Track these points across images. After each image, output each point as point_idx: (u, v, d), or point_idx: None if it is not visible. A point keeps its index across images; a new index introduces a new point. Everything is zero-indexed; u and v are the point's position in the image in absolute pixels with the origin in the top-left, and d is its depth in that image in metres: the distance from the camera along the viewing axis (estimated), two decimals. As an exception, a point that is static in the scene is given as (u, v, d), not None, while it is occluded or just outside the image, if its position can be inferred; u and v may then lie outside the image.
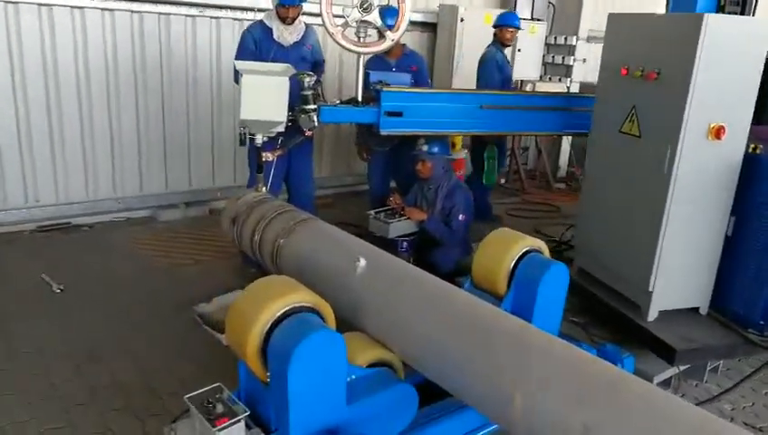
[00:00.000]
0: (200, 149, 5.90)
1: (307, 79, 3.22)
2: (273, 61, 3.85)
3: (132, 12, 5.24)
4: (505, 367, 2.03)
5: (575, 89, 7.92)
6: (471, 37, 6.81)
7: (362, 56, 3.49)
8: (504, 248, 2.85)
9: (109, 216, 5.51)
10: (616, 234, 3.46)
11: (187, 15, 5.53)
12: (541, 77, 8.27)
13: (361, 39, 3.40)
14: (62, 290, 4.06)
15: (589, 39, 8.18)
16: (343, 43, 3.35)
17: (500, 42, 5.55)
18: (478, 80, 5.51)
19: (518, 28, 5.56)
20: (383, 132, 3.56)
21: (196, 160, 5.91)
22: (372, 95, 3.58)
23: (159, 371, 3.29)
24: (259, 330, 2.05)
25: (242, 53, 4.14)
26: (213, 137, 5.96)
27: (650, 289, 3.19)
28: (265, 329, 2.05)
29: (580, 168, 8.17)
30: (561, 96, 4.66)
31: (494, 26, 5.60)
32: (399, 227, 4.19)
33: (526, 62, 8.16)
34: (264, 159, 3.46)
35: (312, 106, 3.26)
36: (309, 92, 3.21)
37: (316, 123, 3.31)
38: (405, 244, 4.21)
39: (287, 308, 2.09)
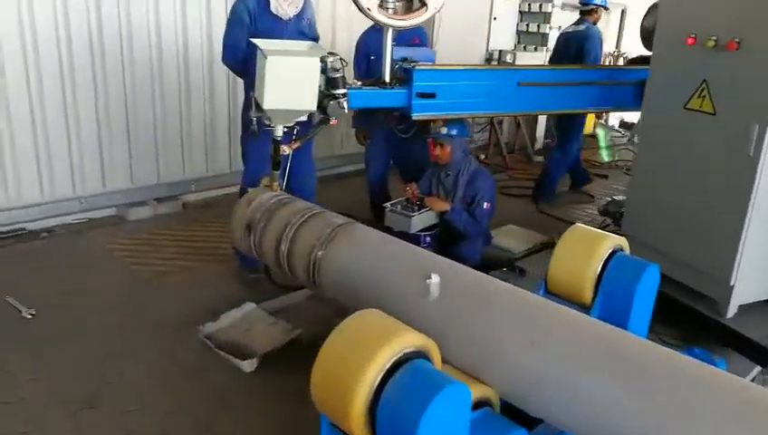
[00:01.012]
0: (168, 138, 5.23)
1: (331, 59, 2.72)
2: (271, 37, 3.30)
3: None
4: (663, 403, 1.68)
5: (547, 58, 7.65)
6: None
7: (391, 30, 3.01)
8: (588, 250, 2.49)
9: (69, 218, 4.80)
10: (684, 222, 3.16)
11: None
12: (515, 46, 7.97)
13: (389, 11, 2.91)
14: (33, 315, 3.42)
15: (563, 6, 7.89)
16: (380, 17, 2.85)
17: (591, 20, 5.65)
18: (581, 57, 5.33)
19: (606, 8, 5.86)
20: (415, 117, 3.11)
21: (165, 151, 5.24)
22: (397, 75, 3.10)
23: (174, 413, 2.76)
24: (366, 388, 1.60)
25: (234, 28, 3.56)
26: (181, 124, 5.30)
27: (732, 283, 2.93)
28: (374, 386, 1.61)
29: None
30: (605, 69, 4.24)
31: (583, 4, 5.71)
32: (421, 221, 3.78)
33: (502, 31, 7.82)
34: (281, 153, 2.94)
35: (342, 90, 2.77)
36: (337, 75, 2.72)
37: (346, 110, 2.82)
38: (428, 238, 3.80)
39: (397, 357, 1.65)
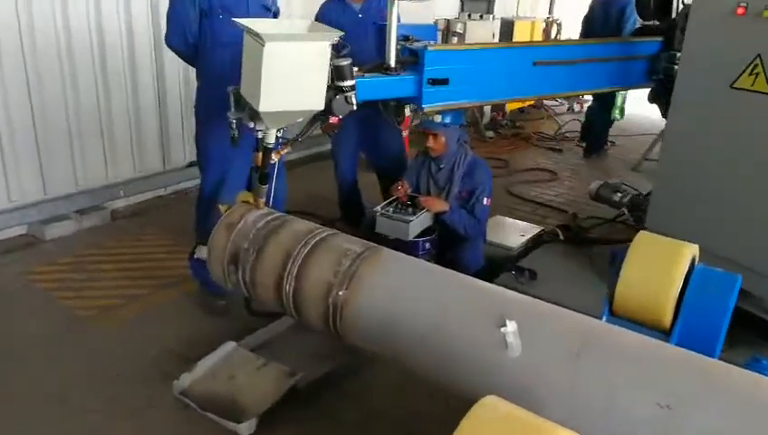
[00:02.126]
0: (85, 134, 4.36)
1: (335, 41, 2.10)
2: (231, 14, 2.64)
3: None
4: None
5: (498, 27, 7.29)
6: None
7: (396, 3, 2.43)
8: (665, 263, 2.10)
9: (-34, 242, 3.90)
10: (726, 214, 2.87)
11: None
12: (459, 15, 7.52)
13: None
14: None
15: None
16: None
17: None
18: (620, 25, 4.98)
19: None
20: (426, 108, 2.58)
21: (81, 152, 4.37)
22: (400, 58, 2.51)
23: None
24: None
25: (180, 4, 2.84)
26: (100, 118, 4.43)
27: (783, 279, 2.68)
28: None
29: (500, 112, 7.70)
30: (621, 43, 3.78)
31: None
32: (418, 225, 3.29)
33: (445, -2, 7.34)
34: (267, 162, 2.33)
35: (351, 82, 2.18)
36: (345, 62, 2.11)
37: (354, 105, 2.25)
38: (427, 245, 3.31)
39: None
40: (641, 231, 2.25)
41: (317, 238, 2.26)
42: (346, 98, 2.20)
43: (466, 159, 3.44)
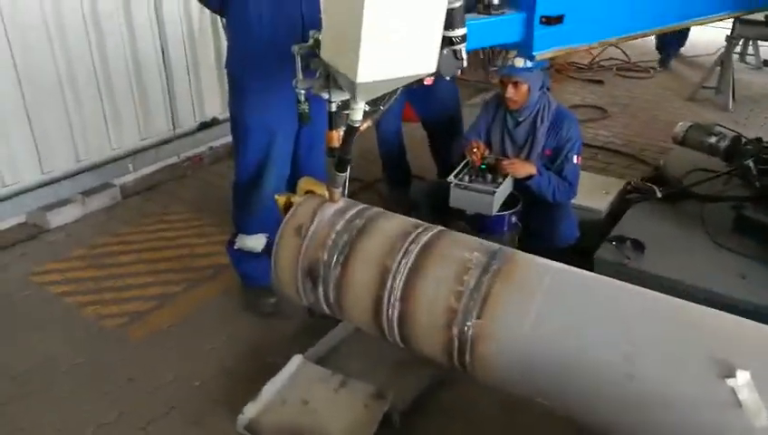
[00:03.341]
0: (80, 99, 3.71)
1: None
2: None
3: None
4: None
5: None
6: None
7: None
8: None
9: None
10: None
11: None
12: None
13: None
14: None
15: None
16: None
17: None
18: None
19: None
20: (537, 56, 1.98)
21: (80, 120, 3.73)
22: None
23: None
24: None
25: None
26: (96, 76, 3.76)
27: None
28: None
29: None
30: None
31: None
32: (501, 195, 2.73)
33: None
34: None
35: (462, 31, 1.58)
36: (458, 3, 1.51)
37: (465, 62, 1.65)
38: (513, 219, 2.77)
39: None
40: None
41: (420, 244, 1.71)
42: (455, 52, 1.61)
43: (551, 109, 2.86)
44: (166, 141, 4.18)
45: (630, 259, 2.70)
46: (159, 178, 4.10)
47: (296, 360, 2.36)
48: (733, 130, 3.47)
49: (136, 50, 3.91)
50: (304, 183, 2.01)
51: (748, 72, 6.41)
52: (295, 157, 2.66)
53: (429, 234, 1.76)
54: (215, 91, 4.43)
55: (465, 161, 2.85)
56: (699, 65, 6.46)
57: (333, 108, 1.73)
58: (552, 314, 1.49)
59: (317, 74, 1.68)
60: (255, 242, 2.73)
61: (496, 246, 1.70)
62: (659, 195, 3.09)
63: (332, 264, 1.77)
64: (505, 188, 2.74)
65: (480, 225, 2.72)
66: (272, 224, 2.66)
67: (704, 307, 1.45)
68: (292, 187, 2.71)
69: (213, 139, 4.44)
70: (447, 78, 1.72)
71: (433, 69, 1.46)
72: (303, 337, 2.55)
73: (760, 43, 6.38)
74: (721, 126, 3.51)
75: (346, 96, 1.66)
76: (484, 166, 2.82)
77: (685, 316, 1.43)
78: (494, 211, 2.67)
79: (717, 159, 3.36)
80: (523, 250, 2.79)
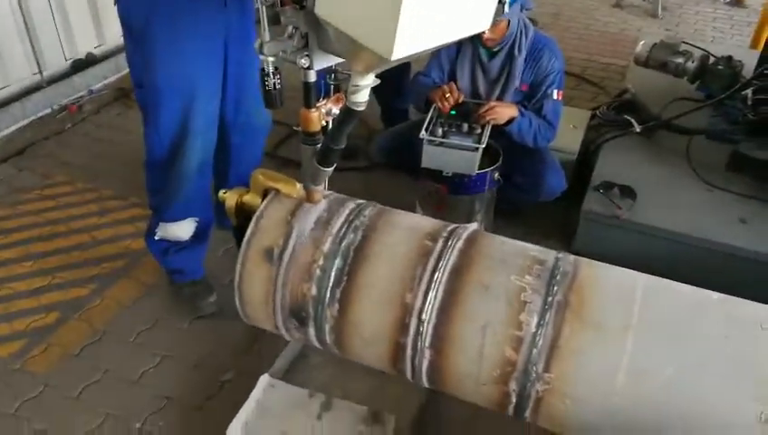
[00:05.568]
0: None
1: None
2: None
3: None
4: None
5: None
6: None
7: None
8: None
9: None
10: None
11: None
12: None
13: None
14: None
15: None
16: None
17: None
18: None
19: None
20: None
21: None
22: None
23: None
24: None
25: None
26: None
27: None
28: None
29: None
30: None
31: None
32: (482, 149, 2.28)
33: None
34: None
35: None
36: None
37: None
38: (495, 175, 2.35)
39: None
40: None
41: (448, 268, 1.25)
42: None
43: (528, 36, 2.39)
44: (32, 89, 3.29)
45: (622, 210, 2.40)
46: (30, 138, 3.24)
47: (263, 382, 1.88)
48: (697, 47, 3.19)
49: None
50: (261, 179, 1.46)
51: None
52: (222, 122, 2.04)
53: (456, 249, 1.30)
54: (86, 21, 3.51)
55: (432, 108, 2.36)
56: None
57: (312, 77, 1.19)
58: (654, 360, 1.12)
59: (287, 32, 1.10)
60: (181, 230, 2.15)
61: (551, 255, 1.28)
62: (638, 129, 2.78)
63: (325, 301, 1.29)
64: (485, 139, 2.28)
65: (458, 186, 2.29)
66: (199, 204, 2.12)
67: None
68: (222, 167, 2.15)
69: (92, 81, 3.58)
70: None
71: (488, 25, 0.95)
72: (260, 341, 2.07)
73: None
74: (687, 43, 3.22)
75: (332, 62, 1.12)
76: (454, 111, 2.35)
77: None
78: (476, 170, 2.23)
79: (684, 81, 3.09)
80: (503, 209, 2.36)
